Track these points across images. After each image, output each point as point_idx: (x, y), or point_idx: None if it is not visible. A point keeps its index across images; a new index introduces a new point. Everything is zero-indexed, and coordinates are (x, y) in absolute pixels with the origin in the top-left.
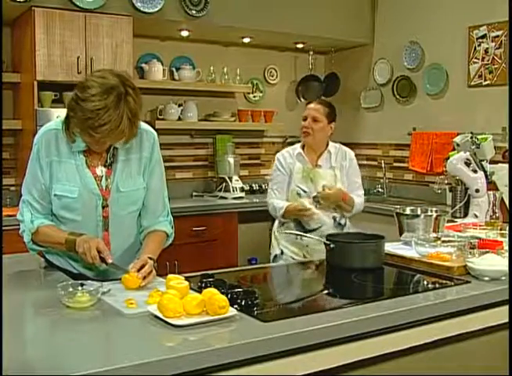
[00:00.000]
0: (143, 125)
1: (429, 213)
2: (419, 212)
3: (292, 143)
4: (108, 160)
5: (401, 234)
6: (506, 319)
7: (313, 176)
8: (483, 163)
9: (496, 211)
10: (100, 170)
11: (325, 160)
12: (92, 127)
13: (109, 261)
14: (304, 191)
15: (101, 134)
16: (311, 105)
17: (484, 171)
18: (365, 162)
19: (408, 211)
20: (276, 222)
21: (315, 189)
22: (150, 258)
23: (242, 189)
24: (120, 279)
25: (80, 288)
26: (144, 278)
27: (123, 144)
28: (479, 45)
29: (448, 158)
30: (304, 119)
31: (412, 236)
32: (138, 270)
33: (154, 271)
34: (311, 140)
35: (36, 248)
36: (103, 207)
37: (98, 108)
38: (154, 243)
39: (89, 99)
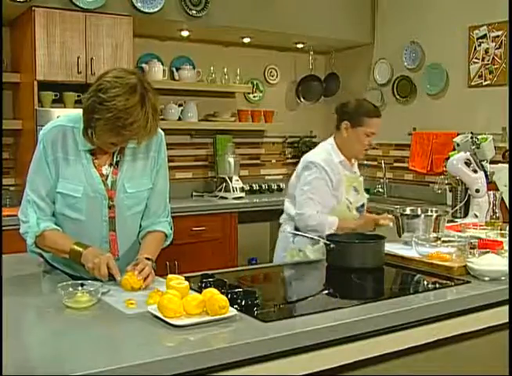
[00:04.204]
0: None
1: (429, 213)
2: (419, 212)
3: (292, 143)
4: (114, 160)
5: (400, 234)
6: (506, 320)
7: (357, 185)
8: (483, 163)
9: (496, 211)
10: (106, 169)
11: (356, 168)
12: (123, 125)
13: (118, 278)
14: (351, 202)
15: (132, 132)
16: (379, 119)
17: (485, 172)
18: (365, 162)
19: (408, 211)
20: (289, 230)
21: (360, 199)
22: (148, 259)
23: (242, 190)
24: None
25: (80, 288)
26: (144, 280)
27: (138, 143)
28: (479, 45)
29: (449, 158)
30: (369, 135)
31: (412, 236)
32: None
33: (153, 272)
34: None
35: (37, 251)
36: (109, 208)
37: (127, 107)
38: (153, 243)
39: (116, 99)
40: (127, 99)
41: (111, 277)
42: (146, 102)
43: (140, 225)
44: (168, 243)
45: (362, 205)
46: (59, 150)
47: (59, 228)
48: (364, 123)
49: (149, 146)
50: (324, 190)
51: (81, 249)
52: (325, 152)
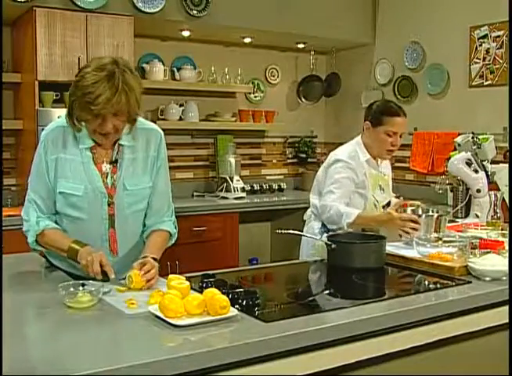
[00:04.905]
0: (150, 124)
1: (430, 213)
2: (420, 212)
3: (292, 143)
4: (113, 158)
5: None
6: (507, 320)
7: (383, 184)
8: (484, 163)
9: (497, 211)
10: (105, 167)
11: (385, 167)
12: (90, 101)
13: (112, 276)
14: (377, 201)
15: (99, 106)
16: (401, 118)
17: (486, 172)
18: None
19: (409, 211)
20: (317, 226)
21: (385, 198)
22: (154, 259)
23: (243, 190)
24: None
25: (81, 288)
26: (148, 281)
27: (127, 131)
28: (480, 45)
29: (450, 158)
30: (391, 134)
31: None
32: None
33: (157, 274)
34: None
35: (39, 249)
36: (109, 205)
37: (93, 82)
38: (158, 242)
39: (85, 77)
40: (94, 75)
41: (105, 276)
42: (116, 76)
43: (144, 225)
44: (173, 242)
45: (388, 204)
46: (60, 150)
47: (58, 227)
48: (384, 122)
49: (148, 145)
50: (348, 186)
51: (77, 247)
52: (352, 149)
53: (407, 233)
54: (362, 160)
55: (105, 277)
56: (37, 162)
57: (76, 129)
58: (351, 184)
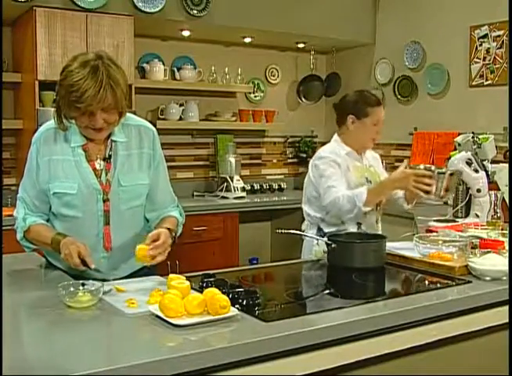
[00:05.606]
0: (141, 120)
1: (443, 170)
2: (432, 168)
3: (293, 143)
4: (107, 154)
5: None
6: (507, 320)
7: (369, 175)
8: (484, 163)
9: (498, 210)
10: (99, 164)
11: (367, 159)
12: (75, 99)
13: (92, 266)
14: None
15: (85, 103)
16: (381, 107)
17: (486, 171)
18: None
19: (421, 167)
20: (312, 233)
21: None
22: (169, 230)
23: (243, 189)
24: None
25: (81, 288)
26: (154, 257)
27: (119, 126)
28: (480, 45)
29: (450, 158)
30: (376, 123)
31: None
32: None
33: (168, 248)
34: None
35: (28, 246)
36: (104, 201)
37: (76, 80)
38: (168, 222)
39: (69, 75)
40: (77, 73)
41: (87, 267)
42: (100, 72)
43: (148, 220)
44: (180, 231)
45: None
46: (52, 151)
47: (46, 223)
48: (370, 113)
49: (141, 142)
50: (340, 177)
51: (60, 238)
52: (332, 146)
53: (424, 191)
54: (343, 153)
55: (86, 268)
56: (28, 163)
57: (62, 128)
58: (340, 176)
